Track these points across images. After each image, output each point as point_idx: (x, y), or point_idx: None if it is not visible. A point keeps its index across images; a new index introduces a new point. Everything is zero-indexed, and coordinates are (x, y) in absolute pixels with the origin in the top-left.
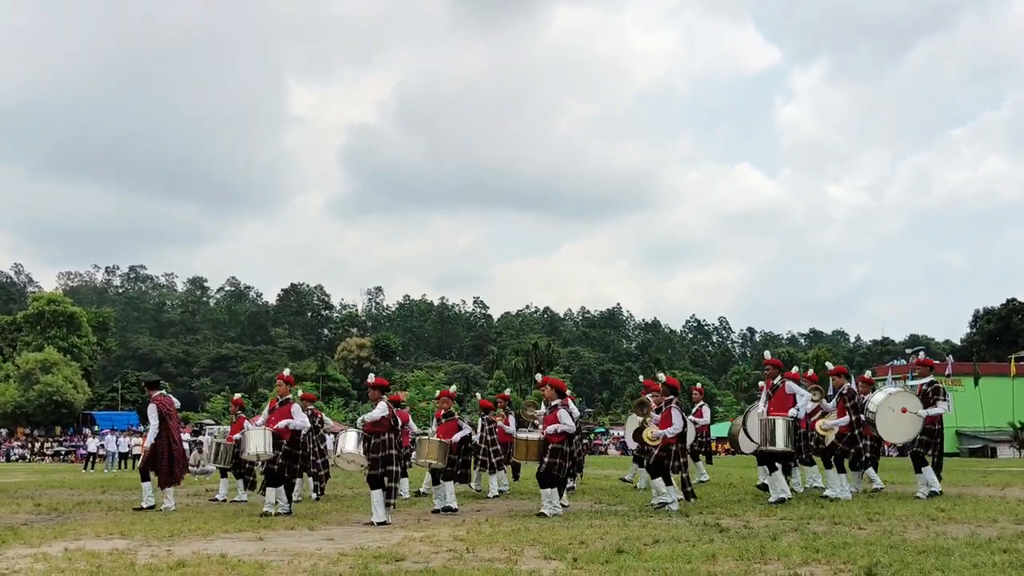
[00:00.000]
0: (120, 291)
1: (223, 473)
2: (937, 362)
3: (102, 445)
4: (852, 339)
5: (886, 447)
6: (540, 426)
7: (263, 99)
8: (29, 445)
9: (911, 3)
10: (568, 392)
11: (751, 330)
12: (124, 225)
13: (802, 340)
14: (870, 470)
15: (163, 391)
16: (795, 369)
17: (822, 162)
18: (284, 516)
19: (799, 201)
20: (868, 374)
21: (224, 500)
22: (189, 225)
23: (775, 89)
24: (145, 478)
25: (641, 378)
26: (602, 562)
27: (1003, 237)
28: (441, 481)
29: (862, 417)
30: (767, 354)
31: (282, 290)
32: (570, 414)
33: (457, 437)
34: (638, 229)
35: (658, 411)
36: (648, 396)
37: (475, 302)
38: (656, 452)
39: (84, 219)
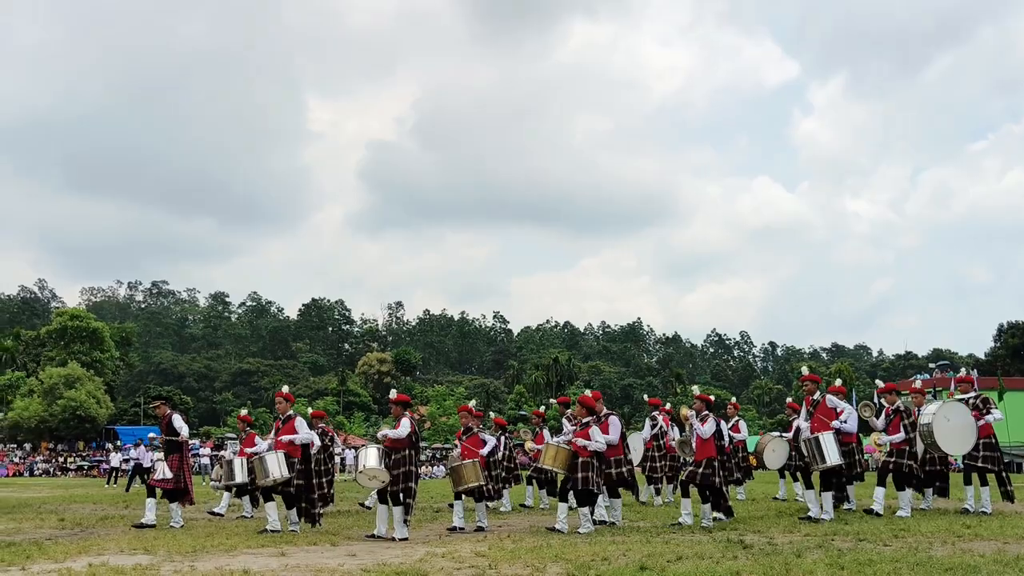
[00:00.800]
0: (143, 306)
1: (227, 488)
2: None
3: (126, 460)
4: (875, 353)
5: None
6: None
7: (282, 115)
8: (53, 460)
9: (928, 16)
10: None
11: (772, 344)
12: (145, 240)
13: (824, 355)
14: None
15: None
16: (837, 382)
17: (841, 176)
18: (266, 532)
19: (819, 215)
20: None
21: (222, 515)
22: (209, 240)
23: (793, 103)
24: (151, 494)
25: (646, 397)
26: None
27: None
28: (471, 499)
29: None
30: (805, 370)
31: (303, 305)
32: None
33: (485, 451)
34: (657, 243)
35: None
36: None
37: (495, 316)
38: (701, 470)
39: (105, 235)
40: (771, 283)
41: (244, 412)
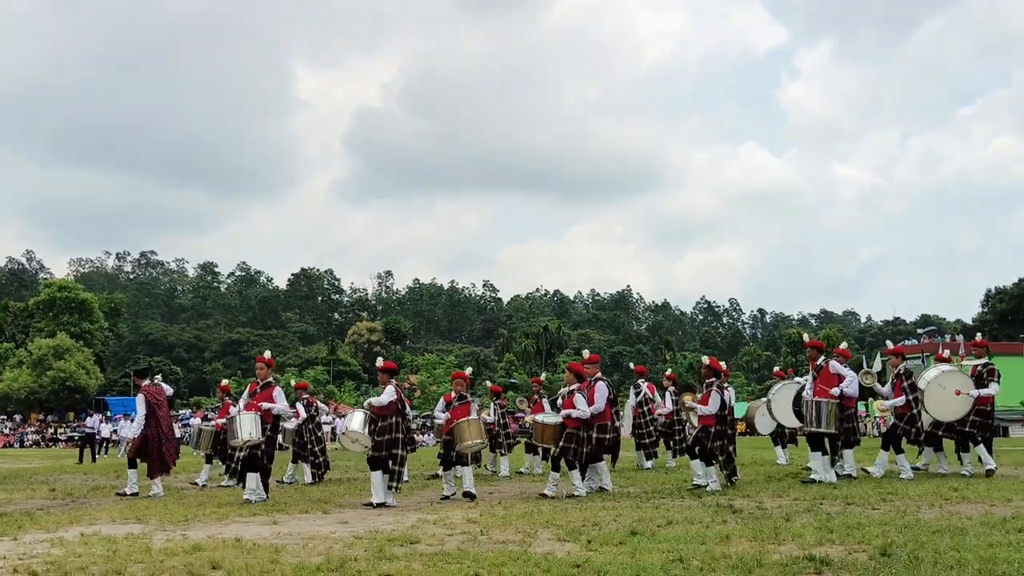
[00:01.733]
0: (131, 277)
1: (207, 459)
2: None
3: (115, 430)
4: (863, 319)
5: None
6: None
7: (269, 83)
8: (43, 431)
9: None
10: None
11: (761, 311)
12: (133, 210)
13: (813, 321)
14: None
15: (152, 381)
16: (843, 345)
17: (830, 142)
18: (261, 503)
19: (807, 181)
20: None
21: (204, 485)
22: (197, 210)
23: (781, 68)
24: (132, 466)
25: (631, 365)
26: (616, 544)
27: (1014, 216)
28: (459, 466)
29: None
30: (806, 337)
31: (292, 275)
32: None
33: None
34: (646, 210)
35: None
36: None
37: (484, 285)
38: (696, 434)
39: (92, 205)
40: (759, 250)
41: (225, 382)
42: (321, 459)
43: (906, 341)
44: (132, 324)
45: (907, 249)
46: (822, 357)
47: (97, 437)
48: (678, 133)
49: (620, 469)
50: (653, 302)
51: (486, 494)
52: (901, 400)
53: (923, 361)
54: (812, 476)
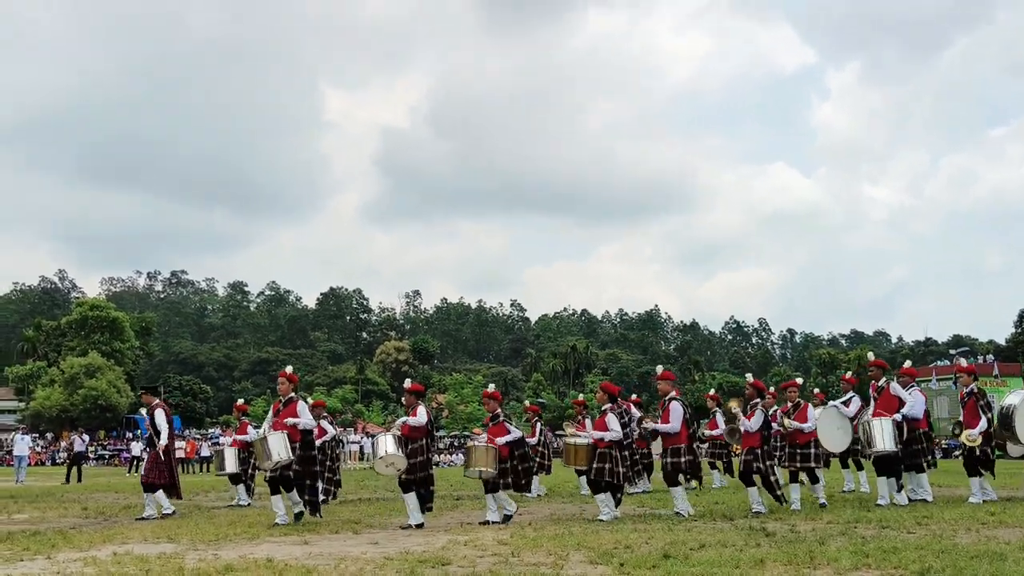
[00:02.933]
0: (162, 296)
1: (232, 479)
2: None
3: (145, 449)
4: (894, 340)
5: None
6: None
7: (297, 104)
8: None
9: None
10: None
11: (791, 331)
12: (163, 230)
13: (843, 341)
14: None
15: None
16: (907, 363)
17: (858, 162)
18: (294, 523)
19: (836, 201)
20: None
21: (239, 504)
22: (226, 230)
23: (810, 89)
24: (151, 489)
25: (659, 369)
26: (649, 567)
27: None
28: (490, 493)
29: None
30: (871, 355)
31: (321, 294)
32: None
33: (502, 440)
34: (673, 230)
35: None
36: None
37: (512, 305)
38: (744, 458)
39: (123, 225)
40: (788, 269)
41: (241, 402)
42: (336, 477)
43: (938, 362)
44: (162, 343)
45: (938, 269)
46: (884, 378)
47: (126, 455)
48: (705, 153)
49: (651, 492)
50: (681, 322)
51: (517, 515)
52: (984, 425)
53: (954, 383)
54: (879, 501)
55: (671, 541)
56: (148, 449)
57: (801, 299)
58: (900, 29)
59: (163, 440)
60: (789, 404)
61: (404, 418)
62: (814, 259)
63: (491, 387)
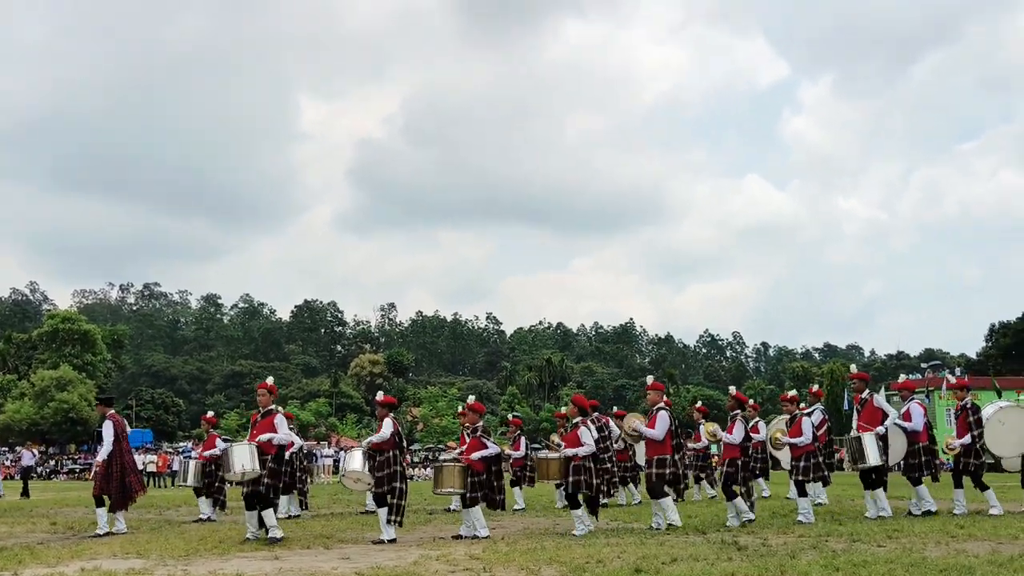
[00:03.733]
0: (134, 309)
1: (196, 492)
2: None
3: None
4: (867, 353)
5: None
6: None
7: (272, 115)
8: (44, 463)
9: (916, 14)
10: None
11: (765, 345)
12: (136, 241)
13: (816, 355)
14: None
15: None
16: (903, 377)
17: (832, 175)
18: (276, 541)
19: (810, 214)
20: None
21: (209, 519)
22: (200, 241)
23: (784, 102)
24: (100, 504)
25: (650, 379)
26: None
27: (1017, 251)
28: (466, 508)
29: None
30: (853, 368)
31: (295, 307)
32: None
33: (477, 456)
34: (649, 243)
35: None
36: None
37: (488, 318)
38: (725, 470)
39: (96, 236)
40: (763, 283)
41: (210, 414)
42: (305, 489)
43: (910, 376)
44: (135, 356)
45: (911, 283)
46: (867, 391)
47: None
48: (680, 166)
49: (624, 505)
50: (656, 335)
51: (490, 529)
52: (967, 439)
53: (927, 396)
54: (867, 514)
55: (643, 555)
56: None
57: (775, 312)
58: (871, 44)
59: (102, 454)
60: (788, 417)
61: (371, 437)
62: (788, 272)
63: (471, 399)
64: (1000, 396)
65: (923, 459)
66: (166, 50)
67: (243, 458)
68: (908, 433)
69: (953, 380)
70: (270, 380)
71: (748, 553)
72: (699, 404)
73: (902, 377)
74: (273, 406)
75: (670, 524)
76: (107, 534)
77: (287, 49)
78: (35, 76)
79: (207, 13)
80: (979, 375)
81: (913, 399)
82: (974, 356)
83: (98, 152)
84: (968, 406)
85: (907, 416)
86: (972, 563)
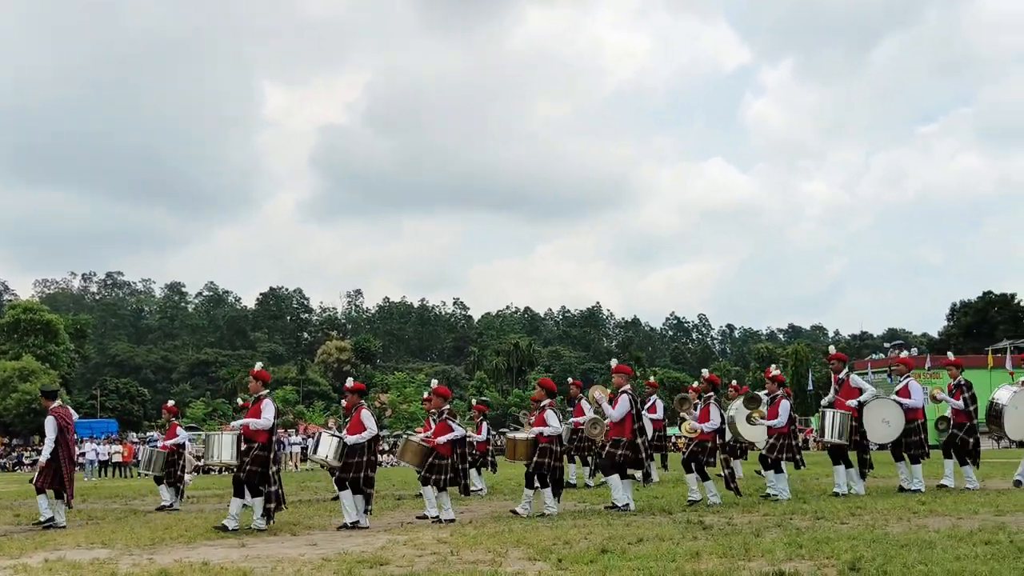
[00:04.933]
0: (97, 298)
1: (157, 480)
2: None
3: (82, 454)
4: (831, 333)
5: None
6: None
7: (234, 101)
8: (7, 454)
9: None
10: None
11: (730, 327)
12: (98, 231)
13: (781, 336)
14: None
15: (60, 402)
16: (903, 354)
17: (794, 158)
18: (260, 531)
19: (773, 197)
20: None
21: (171, 506)
22: (163, 230)
23: (745, 86)
24: (41, 492)
25: (614, 362)
26: (587, 562)
27: (977, 232)
28: (427, 487)
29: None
30: (832, 349)
31: (261, 294)
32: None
33: (443, 439)
34: (614, 227)
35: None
36: (686, 394)
37: (455, 303)
38: (691, 448)
39: (57, 225)
40: (727, 265)
41: (171, 403)
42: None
43: (873, 355)
44: (98, 345)
45: (873, 265)
46: (845, 370)
47: None
48: (646, 150)
49: (591, 487)
50: (623, 319)
51: (456, 513)
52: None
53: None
54: (835, 490)
55: (609, 536)
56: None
57: (740, 295)
58: (830, 28)
59: (45, 452)
60: (767, 396)
61: (357, 437)
62: (752, 255)
63: (435, 383)
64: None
65: (923, 436)
66: (127, 37)
67: (220, 446)
68: (906, 410)
69: (952, 357)
70: (258, 366)
71: (713, 532)
72: (651, 379)
73: (903, 353)
74: (263, 391)
75: (613, 505)
76: (49, 520)
77: (248, 36)
78: None
79: (167, 0)
80: (940, 354)
81: (909, 376)
82: (936, 335)
83: (59, 141)
84: (962, 383)
85: (905, 392)
86: (933, 538)
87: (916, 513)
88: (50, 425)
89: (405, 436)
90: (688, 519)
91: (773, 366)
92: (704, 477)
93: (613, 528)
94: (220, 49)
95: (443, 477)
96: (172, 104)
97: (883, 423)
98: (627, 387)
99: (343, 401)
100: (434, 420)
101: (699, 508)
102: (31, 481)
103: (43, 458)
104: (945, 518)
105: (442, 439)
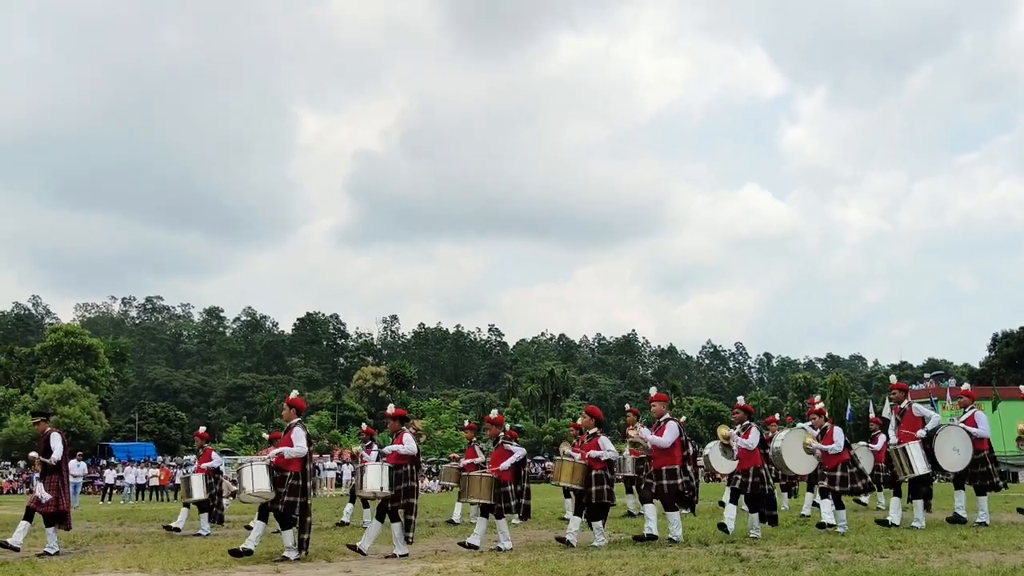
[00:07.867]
0: (137, 322)
1: (200, 508)
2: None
3: (120, 477)
4: (870, 363)
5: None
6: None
7: (269, 128)
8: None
9: (909, 23)
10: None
11: (768, 355)
12: (138, 255)
13: (819, 365)
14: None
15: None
16: (965, 386)
17: (830, 185)
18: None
19: (809, 225)
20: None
21: (178, 530)
22: (201, 255)
23: (780, 113)
24: (28, 517)
25: (653, 390)
26: None
27: (1018, 260)
28: (491, 516)
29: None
30: (893, 379)
31: (298, 319)
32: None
33: (506, 464)
34: (649, 253)
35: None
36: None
37: (490, 329)
38: (742, 479)
39: (98, 250)
40: (764, 293)
41: (203, 430)
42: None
43: (914, 386)
44: (137, 369)
45: (912, 293)
46: (907, 400)
47: (100, 483)
48: (679, 176)
49: (626, 516)
50: (659, 346)
51: (491, 541)
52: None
53: (932, 405)
54: (914, 524)
55: (645, 567)
56: (42, 479)
57: (777, 323)
58: (863, 54)
59: (55, 457)
60: (816, 429)
61: (394, 446)
62: (789, 282)
63: (494, 412)
64: (996, 407)
65: (990, 467)
66: (163, 64)
67: (251, 477)
68: (974, 440)
69: (966, 387)
70: (294, 393)
71: (750, 564)
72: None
73: (965, 385)
74: (297, 418)
75: (671, 539)
76: (55, 554)
77: (284, 61)
78: (33, 90)
79: (203, 26)
80: (982, 384)
81: (974, 406)
82: (977, 366)
83: (98, 165)
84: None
85: (972, 422)
86: (975, 574)
87: (958, 548)
88: (57, 439)
89: (474, 474)
90: (725, 551)
91: (816, 397)
92: (752, 509)
93: (648, 560)
94: (256, 76)
95: (503, 506)
96: (209, 131)
97: (953, 451)
98: (669, 415)
99: (388, 426)
100: (481, 448)
101: (736, 539)
102: (29, 505)
103: (53, 459)
104: (987, 553)
105: (505, 464)
